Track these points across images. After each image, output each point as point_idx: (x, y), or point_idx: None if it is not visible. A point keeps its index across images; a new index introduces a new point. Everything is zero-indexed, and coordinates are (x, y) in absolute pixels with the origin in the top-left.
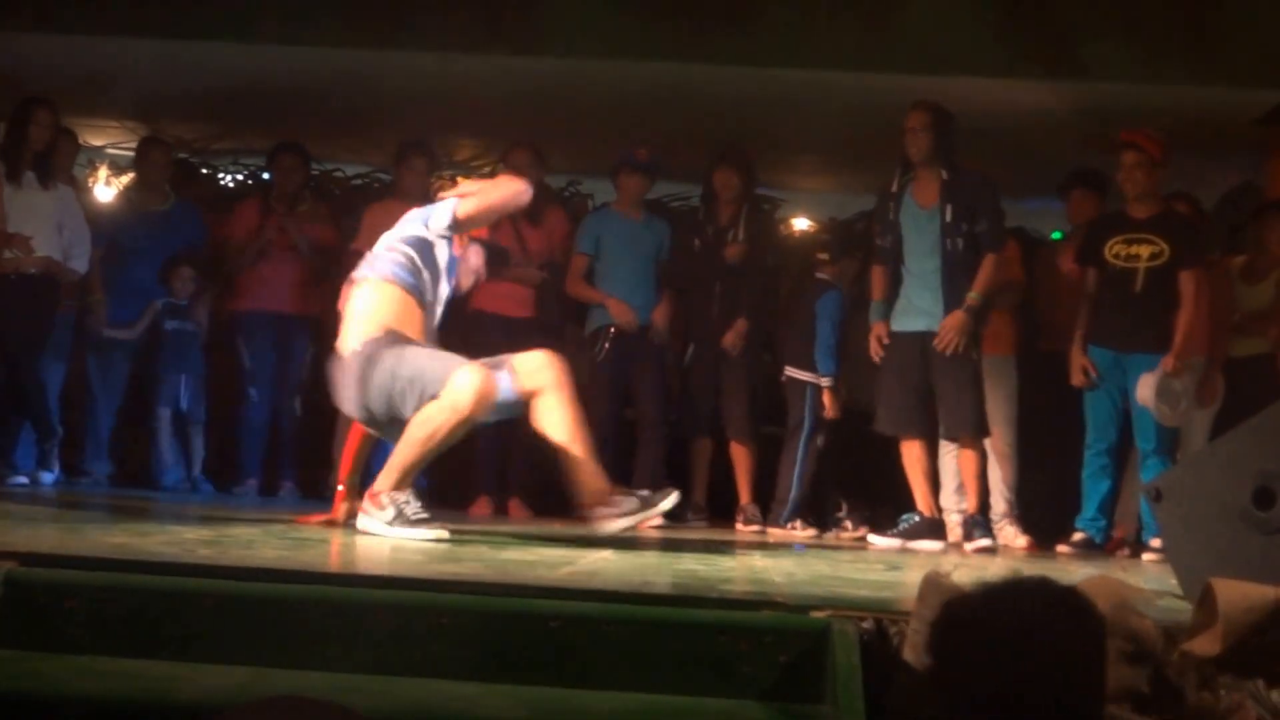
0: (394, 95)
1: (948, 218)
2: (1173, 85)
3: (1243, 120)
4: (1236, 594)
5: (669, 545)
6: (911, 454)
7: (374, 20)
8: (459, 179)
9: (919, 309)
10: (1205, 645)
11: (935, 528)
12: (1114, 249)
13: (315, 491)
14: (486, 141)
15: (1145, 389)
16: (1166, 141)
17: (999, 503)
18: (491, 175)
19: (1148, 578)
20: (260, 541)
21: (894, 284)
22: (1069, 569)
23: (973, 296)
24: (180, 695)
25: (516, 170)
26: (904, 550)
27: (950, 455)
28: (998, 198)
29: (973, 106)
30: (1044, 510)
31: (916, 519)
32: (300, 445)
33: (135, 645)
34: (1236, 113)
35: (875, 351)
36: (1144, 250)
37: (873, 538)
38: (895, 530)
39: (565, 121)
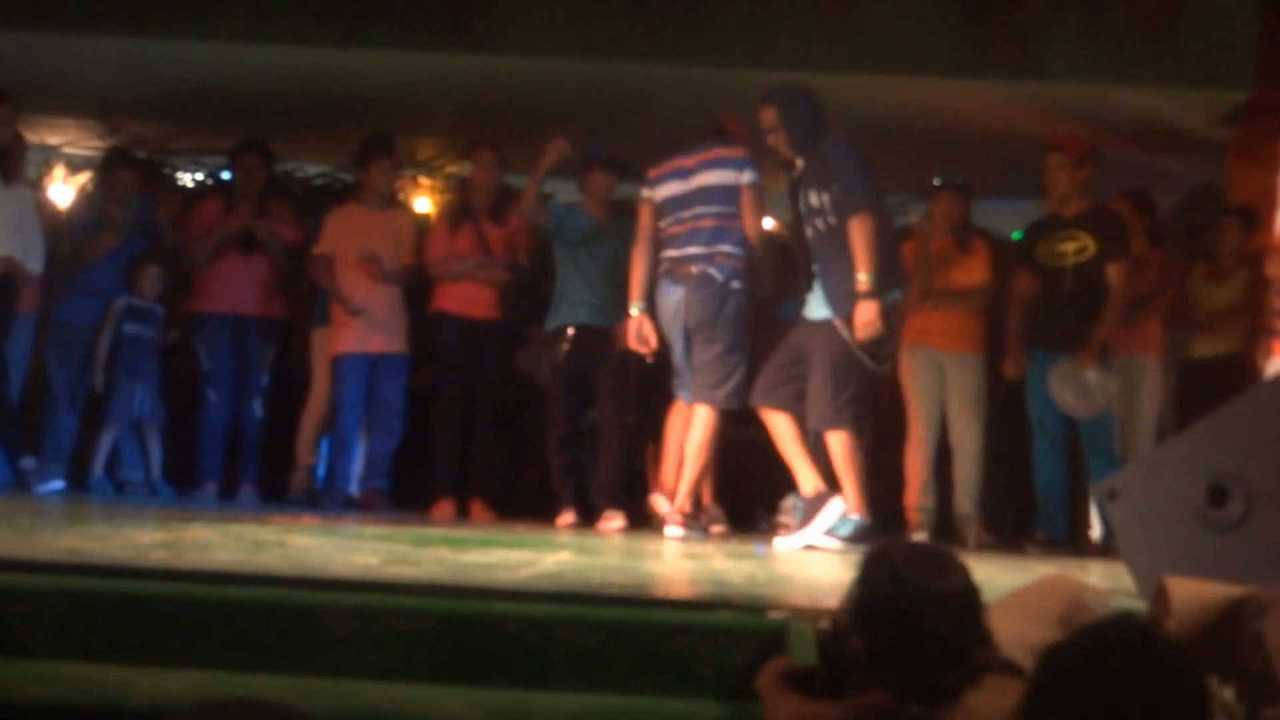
0: (356, 93)
1: (808, 202)
2: (1134, 86)
3: (1203, 121)
4: (1189, 592)
5: (630, 546)
6: (784, 431)
7: (336, 18)
8: (421, 179)
9: (814, 297)
10: None
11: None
12: (1043, 249)
13: (276, 494)
14: (449, 141)
15: (1055, 379)
16: (1091, 143)
17: (963, 503)
18: (455, 174)
19: (1104, 576)
20: (217, 544)
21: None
22: (1028, 568)
23: (862, 280)
24: (134, 700)
25: (479, 168)
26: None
27: (916, 452)
28: (851, 156)
29: (934, 107)
30: (1010, 509)
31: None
32: (261, 448)
33: (89, 650)
34: (1197, 114)
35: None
36: (1069, 247)
37: (780, 543)
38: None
39: (527, 121)
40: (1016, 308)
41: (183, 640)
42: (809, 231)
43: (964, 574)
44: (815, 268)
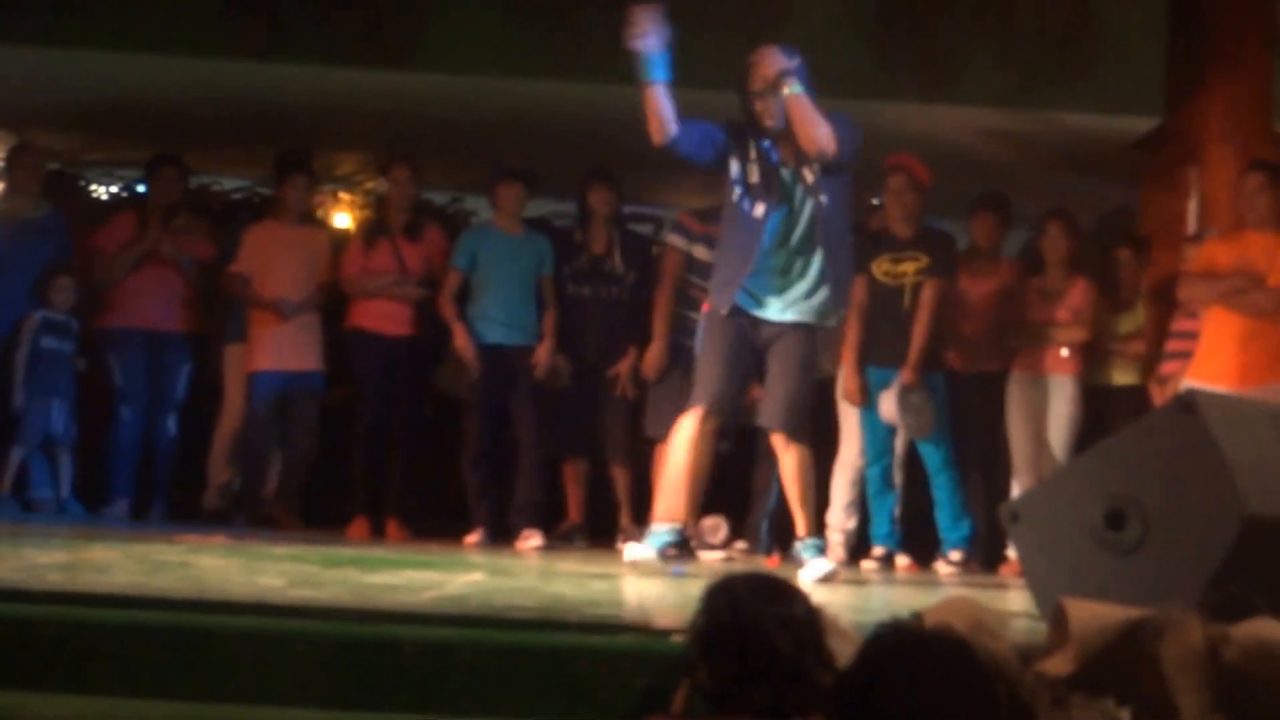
0: (273, 107)
1: (802, 180)
2: (1049, 110)
3: (1117, 145)
4: (1088, 614)
5: (544, 567)
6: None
7: (252, 31)
8: (341, 194)
9: (785, 295)
10: (1058, 665)
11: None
12: (882, 267)
13: (188, 513)
14: (368, 156)
15: (887, 404)
16: (929, 168)
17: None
18: (374, 189)
19: (1006, 599)
20: (117, 566)
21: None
22: (937, 591)
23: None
24: None
25: (395, 185)
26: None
27: (844, 473)
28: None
29: None
30: (927, 528)
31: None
32: (173, 466)
33: None
34: (1111, 138)
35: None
36: (910, 267)
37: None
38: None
39: (447, 137)
40: (855, 322)
41: (75, 665)
42: (813, 212)
43: (804, 601)
44: (811, 258)
